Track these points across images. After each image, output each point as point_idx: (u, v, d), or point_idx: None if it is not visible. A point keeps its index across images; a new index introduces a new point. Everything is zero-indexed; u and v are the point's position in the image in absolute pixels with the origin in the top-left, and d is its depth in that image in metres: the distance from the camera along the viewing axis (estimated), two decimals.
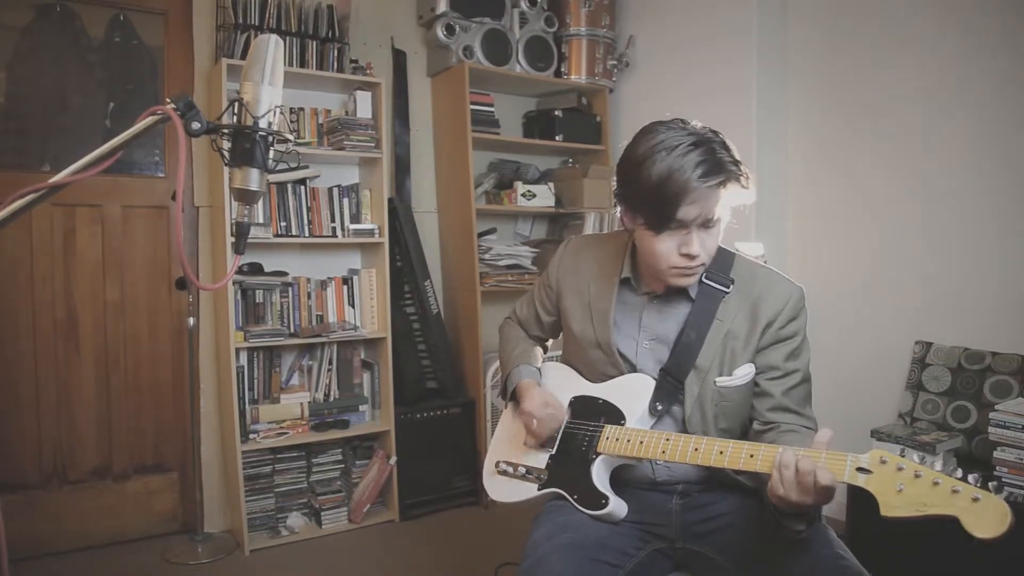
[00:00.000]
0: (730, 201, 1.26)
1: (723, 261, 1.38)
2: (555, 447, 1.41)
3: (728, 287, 1.35)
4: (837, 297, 2.83)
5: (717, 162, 1.21)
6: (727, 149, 1.24)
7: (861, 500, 2.23)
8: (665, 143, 1.22)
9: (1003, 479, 1.96)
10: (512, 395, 1.54)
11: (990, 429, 2.01)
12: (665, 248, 1.26)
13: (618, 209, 1.34)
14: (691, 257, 1.25)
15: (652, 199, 1.22)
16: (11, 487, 2.58)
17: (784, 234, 3.03)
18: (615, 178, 1.32)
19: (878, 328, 2.71)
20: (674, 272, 1.28)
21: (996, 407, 2.03)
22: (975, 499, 0.92)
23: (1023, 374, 2.25)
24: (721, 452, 1.18)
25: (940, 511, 0.94)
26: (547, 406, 1.42)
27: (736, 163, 1.24)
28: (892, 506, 0.97)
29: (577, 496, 1.34)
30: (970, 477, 0.94)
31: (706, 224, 1.24)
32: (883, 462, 1.01)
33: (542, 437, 1.43)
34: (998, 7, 2.38)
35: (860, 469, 1.03)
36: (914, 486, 0.97)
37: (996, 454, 1.99)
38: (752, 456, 1.13)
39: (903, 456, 1.01)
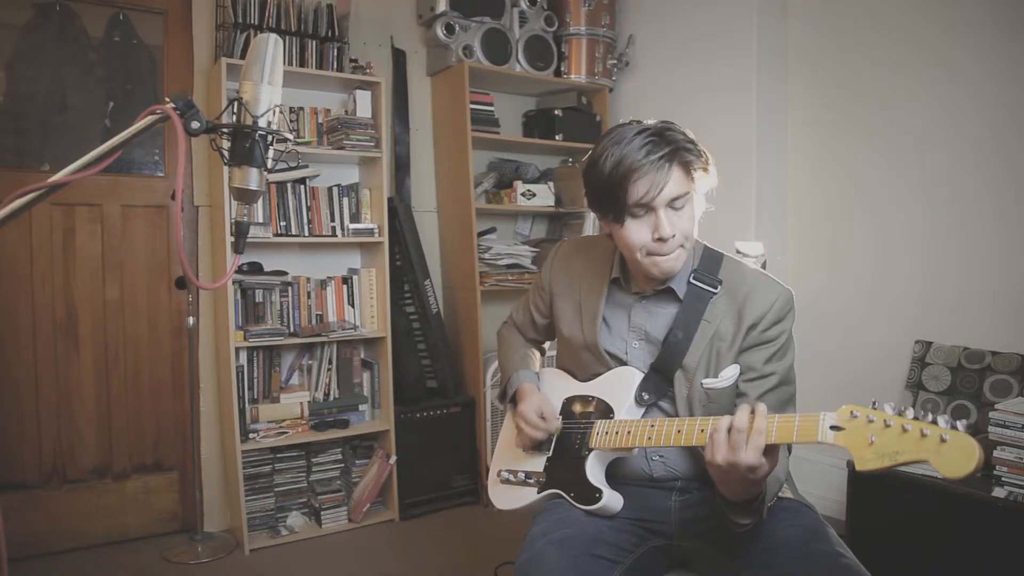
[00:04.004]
0: (700, 185, 1.28)
1: (711, 262, 1.38)
2: (551, 449, 1.43)
3: (716, 288, 1.35)
4: (837, 296, 2.83)
5: (663, 140, 1.24)
6: (679, 132, 1.27)
7: (861, 501, 2.24)
8: (615, 138, 1.26)
9: (1003, 478, 1.97)
10: (513, 399, 1.55)
11: (990, 428, 2.01)
12: (636, 236, 1.27)
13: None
14: (663, 240, 1.25)
15: (608, 189, 1.26)
16: (11, 487, 2.58)
17: (784, 233, 3.03)
18: (584, 186, 1.34)
19: (878, 328, 2.71)
20: (651, 258, 1.29)
21: (996, 406, 2.03)
22: (943, 440, 0.91)
23: (1023, 373, 2.25)
24: (703, 430, 1.18)
25: (911, 457, 0.93)
26: (542, 417, 1.43)
27: (689, 142, 1.26)
28: (866, 459, 0.97)
29: (573, 493, 1.35)
30: (940, 420, 0.93)
31: (672, 204, 1.25)
32: (853, 416, 1.00)
33: (530, 443, 1.45)
34: (997, 5, 2.38)
35: (833, 427, 1.02)
36: (884, 436, 0.96)
37: (996, 453, 1.99)
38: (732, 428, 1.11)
39: (875, 408, 0.99)
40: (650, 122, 1.29)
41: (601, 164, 1.25)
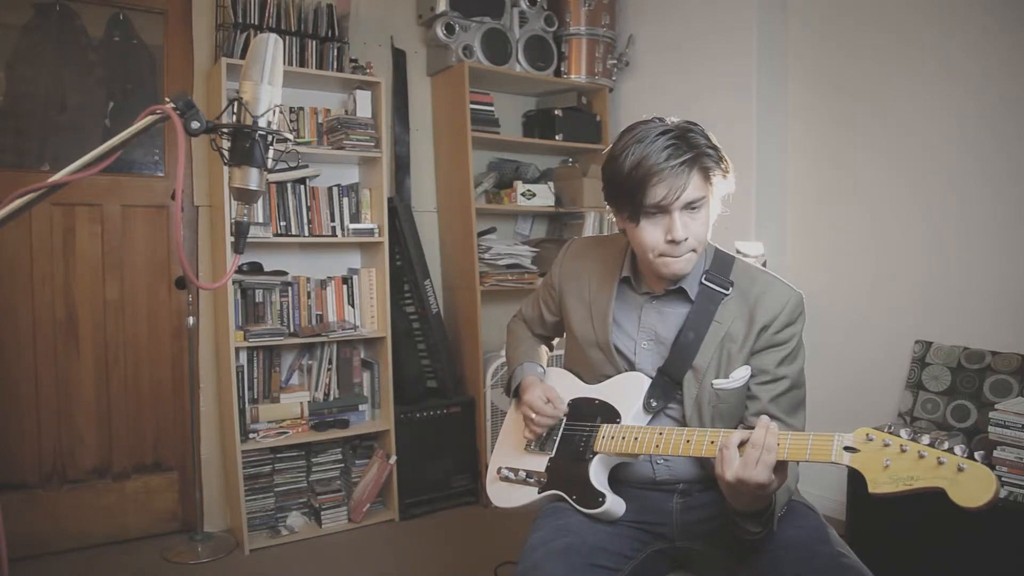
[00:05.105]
0: (718, 190, 1.28)
1: (722, 264, 1.38)
2: (554, 450, 1.42)
3: (727, 289, 1.35)
4: (837, 296, 2.83)
5: (685, 144, 1.23)
6: (702, 136, 1.26)
7: (861, 500, 2.24)
8: (638, 136, 1.25)
9: (1003, 478, 1.97)
10: (516, 392, 1.55)
11: (990, 428, 2.01)
12: (650, 237, 1.27)
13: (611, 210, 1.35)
14: (675, 242, 1.25)
15: (626, 188, 1.25)
16: (11, 487, 2.58)
17: (784, 233, 3.03)
18: (602, 180, 1.34)
19: (878, 328, 2.71)
20: (662, 259, 1.29)
21: (996, 406, 2.03)
22: (960, 469, 0.91)
23: (1023, 373, 2.25)
24: (712, 442, 1.19)
25: (926, 484, 0.93)
26: (547, 401, 1.43)
27: (711, 147, 1.25)
28: (879, 483, 0.96)
29: (575, 496, 1.34)
30: (956, 448, 0.93)
31: (689, 207, 1.25)
32: (869, 439, 1.00)
33: (540, 430, 1.44)
34: (997, 5, 2.38)
35: (847, 448, 1.01)
36: (900, 460, 0.96)
37: (996, 453, 1.99)
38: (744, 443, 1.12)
39: (891, 432, 0.99)
40: (673, 120, 1.28)
41: (621, 161, 1.25)
